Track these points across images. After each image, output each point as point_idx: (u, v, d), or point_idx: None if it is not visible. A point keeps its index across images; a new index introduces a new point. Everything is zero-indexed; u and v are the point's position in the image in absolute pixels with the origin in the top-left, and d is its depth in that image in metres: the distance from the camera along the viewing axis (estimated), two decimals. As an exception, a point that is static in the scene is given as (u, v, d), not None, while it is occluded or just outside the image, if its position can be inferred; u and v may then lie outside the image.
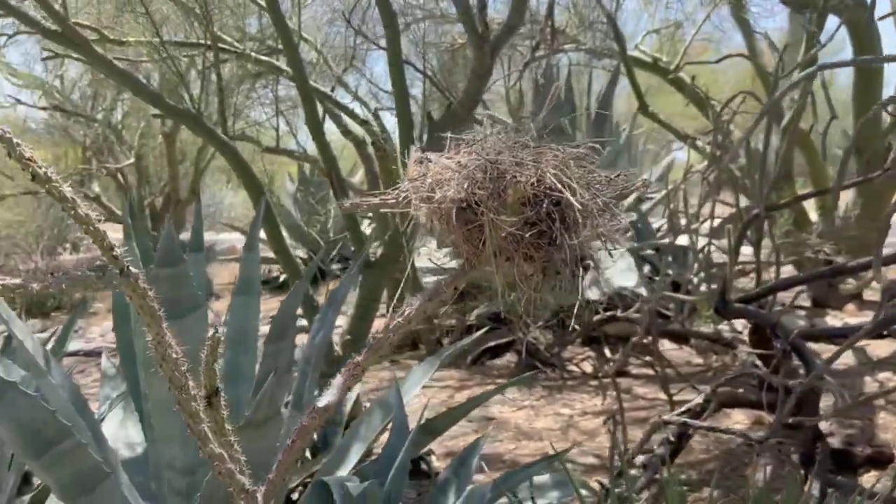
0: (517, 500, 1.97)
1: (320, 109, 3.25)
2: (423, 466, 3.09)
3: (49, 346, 2.26)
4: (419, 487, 2.83)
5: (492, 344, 4.60)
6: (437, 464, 3.13)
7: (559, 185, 0.75)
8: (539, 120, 4.64)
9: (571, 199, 0.75)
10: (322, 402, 0.78)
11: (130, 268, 0.73)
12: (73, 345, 5.07)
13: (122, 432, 2.12)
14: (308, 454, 2.82)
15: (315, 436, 2.90)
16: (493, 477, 3.00)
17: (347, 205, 0.82)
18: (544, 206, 0.76)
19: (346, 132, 4.13)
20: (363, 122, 3.85)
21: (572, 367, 4.35)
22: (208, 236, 8.92)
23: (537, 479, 2.21)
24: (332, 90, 4.27)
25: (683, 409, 2.15)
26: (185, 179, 8.64)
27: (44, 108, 7.84)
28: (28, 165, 0.67)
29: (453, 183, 0.77)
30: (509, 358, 4.56)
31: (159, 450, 1.94)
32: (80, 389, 2.10)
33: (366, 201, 0.82)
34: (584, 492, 2.11)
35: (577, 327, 4.32)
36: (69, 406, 1.94)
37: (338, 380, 0.79)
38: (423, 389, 4.15)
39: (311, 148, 6.37)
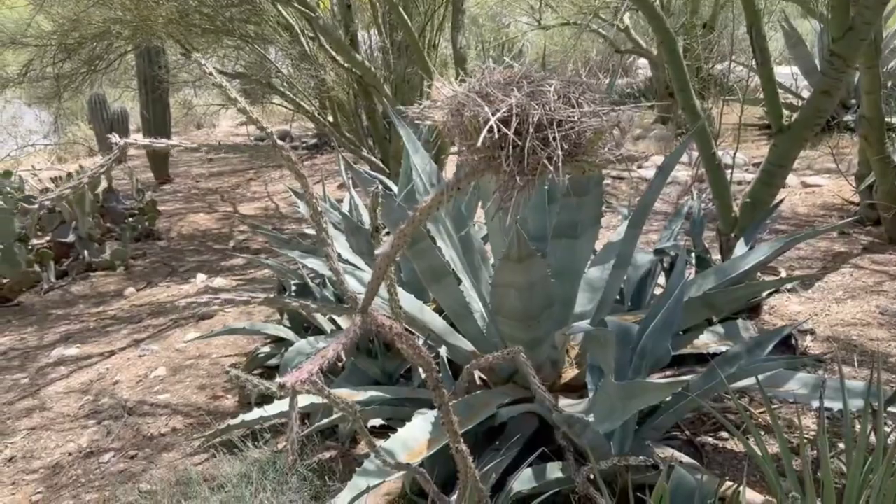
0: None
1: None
2: (792, 341, 3.04)
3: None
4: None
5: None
6: (810, 343, 3.02)
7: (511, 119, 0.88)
8: None
9: (509, 133, 0.88)
10: (392, 236, 1.12)
11: (279, 142, 1.15)
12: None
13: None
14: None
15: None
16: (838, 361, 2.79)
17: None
18: (496, 134, 0.90)
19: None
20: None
21: None
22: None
23: (850, 384, 2.10)
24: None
25: None
26: (706, 8, 8.59)
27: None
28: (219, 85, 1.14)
29: (444, 111, 0.96)
30: None
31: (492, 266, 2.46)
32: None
33: (421, 108, 1.06)
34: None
35: None
36: (444, 218, 2.59)
37: (401, 226, 1.09)
38: (852, 269, 3.82)
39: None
